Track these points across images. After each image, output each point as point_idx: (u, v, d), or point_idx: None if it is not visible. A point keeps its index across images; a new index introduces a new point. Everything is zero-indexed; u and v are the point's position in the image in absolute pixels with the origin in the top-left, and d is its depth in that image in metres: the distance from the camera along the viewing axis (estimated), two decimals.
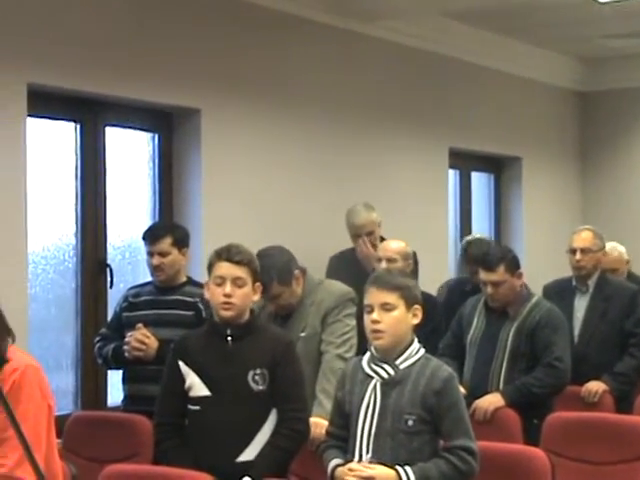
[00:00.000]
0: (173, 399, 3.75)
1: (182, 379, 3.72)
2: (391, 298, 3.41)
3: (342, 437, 3.51)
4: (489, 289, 4.87)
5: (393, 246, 5.49)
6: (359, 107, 6.99)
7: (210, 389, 3.68)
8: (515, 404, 4.71)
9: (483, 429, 4.29)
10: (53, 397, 2.99)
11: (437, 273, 7.04)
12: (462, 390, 4.04)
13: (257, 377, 3.67)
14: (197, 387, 3.69)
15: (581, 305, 5.72)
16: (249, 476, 3.56)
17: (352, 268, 5.82)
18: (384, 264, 5.30)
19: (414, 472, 3.28)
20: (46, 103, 5.22)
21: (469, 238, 6.39)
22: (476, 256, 5.44)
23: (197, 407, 3.69)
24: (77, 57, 5.21)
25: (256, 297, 3.80)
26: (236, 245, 3.77)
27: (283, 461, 3.69)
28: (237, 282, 3.68)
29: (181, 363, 3.74)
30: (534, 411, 4.71)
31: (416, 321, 3.47)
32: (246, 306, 3.73)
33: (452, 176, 8.17)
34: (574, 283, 5.80)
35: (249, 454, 3.63)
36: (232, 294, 3.67)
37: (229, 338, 3.71)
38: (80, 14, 5.25)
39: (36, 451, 2.76)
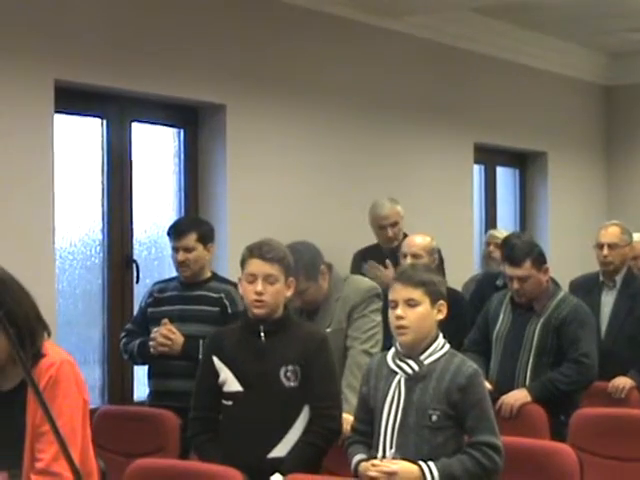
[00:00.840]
0: (207, 394, 3.76)
1: (216, 374, 3.73)
2: (416, 294, 3.40)
3: (367, 432, 3.51)
4: (515, 284, 4.85)
5: (418, 241, 5.44)
6: (384, 103, 6.98)
7: (242, 385, 3.68)
8: (541, 400, 4.68)
9: (509, 425, 4.28)
10: (88, 392, 3.01)
11: (462, 268, 7.03)
12: (488, 386, 4.04)
13: (289, 373, 3.66)
14: (230, 382, 3.70)
15: (608, 301, 5.68)
16: (280, 472, 3.56)
17: (377, 263, 5.83)
18: (409, 260, 5.28)
19: (437, 468, 3.27)
20: (73, 99, 5.26)
21: (499, 233, 6.34)
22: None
23: (230, 402, 3.70)
24: (103, 53, 5.24)
25: (289, 293, 3.78)
26: (268, 241, 3.75)
27: (314, 458, 3.68)
28: (269, 279, 3.66)
29: (215, 358, 3.74)
30: (561, 407, 4.70)
31: (441, 317, 3.46)
32: (279, 303, 3.72)
33: (477, 171, 8.15)
34: (601, 278, 5.76)
35: (280, 450, 3.63)
36: (264, 291, 3.66)
37: (262, 334, 3.70)
38: (106, 11, 5.27)
39: (72, 446, 2.79)
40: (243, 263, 3.74)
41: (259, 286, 3.65)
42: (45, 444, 2.82)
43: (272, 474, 3.56)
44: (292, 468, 3.54)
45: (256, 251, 3.70)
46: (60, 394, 2.82)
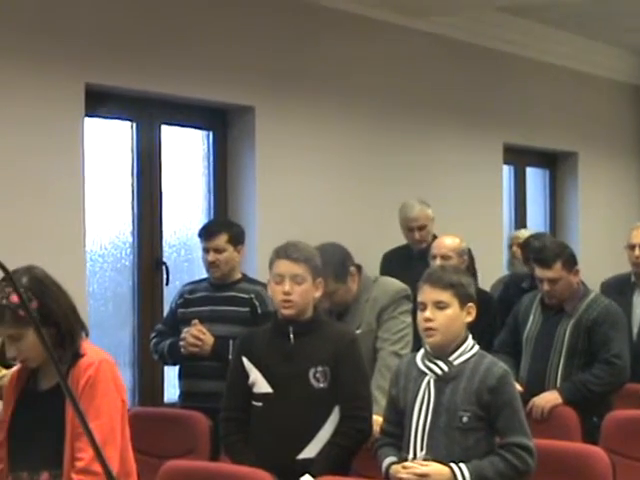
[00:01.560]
0: (238, 395, 3.77)
1: (246, 375, 3.74)
2: (444, 296, 3.39)
3: (396, 434, 3.50)
4: (545, 286, 4.82)
5: (447, 242, 5.42)
6: (412, 104, 6.96)
7: (272, 386, 3.69)
8: (573, 402, 4.64)
9: (541, 427, 4.25)
10: (126, 392, 3.03)
11: (492, 269, 6.99)
12: (518, 387, 4.02)
13: (318, 375, 3.66)
14: (260, 384, 3.71)
15: None
16: (309, 473, 3.57)
17: (406, 264, 5.81)
18: (438, 261, 5.26)
19: (469, 469, 3.26)
20: (103, 103, 5.28)
21: (522, 233, 6.31)
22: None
23: (260, 404, 3.71)
24: (133, 57, 5.27)
25: (318, 293, 3.78)
26: (295, 243, 3.77)
27: (344, 459, 3.68)
28: (296, 279, 3.68)
29: (245, 359, 3.75)
30: (593, 409, 4.66)
31: (470, 319, 3.44)
32: (307, 303, 3.72)
33: (507, 172, 8.12)
34: (633, 279, 5.72)
35: (310, 451, 3.63)
36: (291, 291, 3.67)
37: (291, 336, 3.71)
38: (136, 15, 5.30)
39: (111, 445, 2.81)
40: (271, 265, 3.76)
41: (286, 286, 3.66)
42: (85, 443, 2.83)
43: (302, 475, 3.56)
44: (322, 469, 3.55)
45: (283, 252, 3.72)
46: (99, 394, 2.84)
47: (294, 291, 3.67)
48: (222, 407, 3.85)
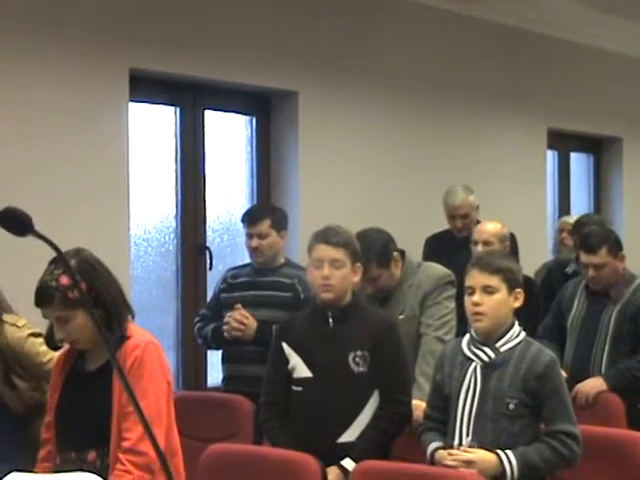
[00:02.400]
0: (278, 380, 3.79)
1: (286, 360, 3.76)
2: (493, 281, 3.38)
3: (441, 420, 3.50)
4: (590, 272, 4.79)
5: (489, 228, 5.38)
6: (457, 88, 6.93)
7: (312, 371, 3.70)
8: (618, 388, 4.61)
9: (585, 414, 4.22)
10: (172, 374, 3.06)
11: (535, 255, 6.95)
12: (563, 374, 3.99)
13: (358, 359, 3.68)
14: (299, 368, 3.73)
15: None
16: (350, 457, 3.58)
17: (449, 249, 5.79)
18: (480, 247, 5.24)
19: (516, 456, 3.25)
20: (147, 88, 5.31)
21: (571, 219, 6.25)
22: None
23: (299, 388, 3.73)
24: (177, 42, 5.28)
25: (356, 278, 3.79)
26: (333, 227, 3.78)
27: (384, 443, 3.69)
28: (335, 264, 3.69)
29: (284, 344, 3.78)
30: (638, 396, 4.63)
31: (518, 304, 3.43)
32: (346, 288, 3.74)
33: (551, 157, 8.06)
34: None
35: (350, 435, 3.65)
36: (330, 276, 3.68)
37: (330, 320, 3.72)
38: (180, 0, 5.31)
39: (157, 426, 2.84)
40: (310, 249, 3.77)
41: (325, 270, 3.67)
42: (131, 423, 2.86)
43: (342, 459, 3.59)
44: (362, 453, 3.56)
45: (321, 236, 3.73)
46: (145, 375, 2.87)
47: (333, 275, 3.68)
48: (262, 392, 3.87)
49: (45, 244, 1.90)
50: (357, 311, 3.77)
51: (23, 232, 1.99)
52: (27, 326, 3.43)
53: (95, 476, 1.15)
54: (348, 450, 3.61)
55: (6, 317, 3.27)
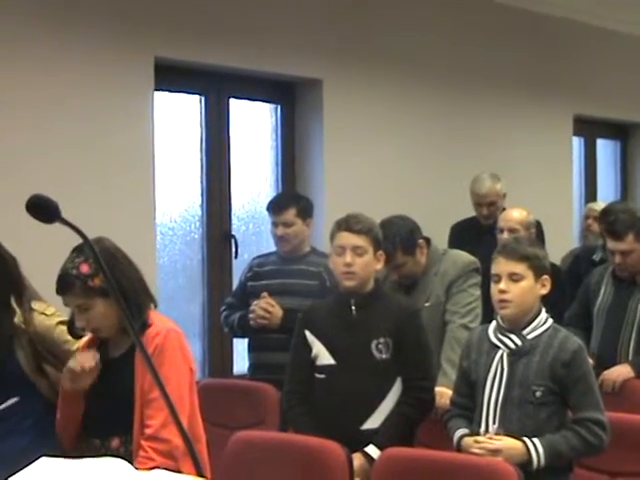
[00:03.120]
0: (301, 367, 3.80)
1: (309, 348, 3.77)
2: (519, 268, 3.37)
3: (467, 406, 3.49)
4: (617, 258, 4.77)
5: (514, 216, 5.36)
6: (482, 75, 6.90)
7: (335, 358, 3.72)
8: None
9: (612, 401, 4.20)
10: (194, 361, 3.07)
11: (562, 242, 6.92)
12: (590, 361, 3.98)
13: (380, 346, 3.68)
14: (322, 356, 3.74)
15: None
16: (373, 444, 3.59)
17: (474, 236, 5.78)
18: (505, 234, 5.22)
19: (542, 444, 3.24)
20: (172, 76, 5.32)
21: (598, 205, 6.21)
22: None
23: (322, 375, 3.74)
24: (202, 31, 5.29)
25: (379, 266, 3.79)
26: (355, 214, 3.78)
27: (407, 430, 3.70)
28: (357, 251, 3.69)
29: (307, 332, 3.79)
30: None
31: (544, 292, 3.42)
32: (368, 275, 3.74)
33: (577, 143, 8.01)
34: None
35: (374, 422, 3.66)
36: (352, 263, 3.68)
37: (353, 307, 3.73)
38: None
39: (179, 413, 2.85)
40: (332, 237, 3.79)
41: (348, 257, 3.68)
42: (154, 410, 2.88)
43: (366, 445, 3.60)
44: (386, 439, 3.57)
45: (344, 224, 3.74)
46: (166, 362, 2.88)
47: (355, 262, 3.68)
48: (285, 380, 3.88)
49: (70, 232, 1.91)
50: (379, 298, 3.77)
51: (50, 219, 2.00)
52: (56, 314, 3.45)
53: (123, 461, 1.16)
54: (371, 437, 3.62)
55: (35, 305, 3.29)
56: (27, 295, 3.24)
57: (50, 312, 3.38)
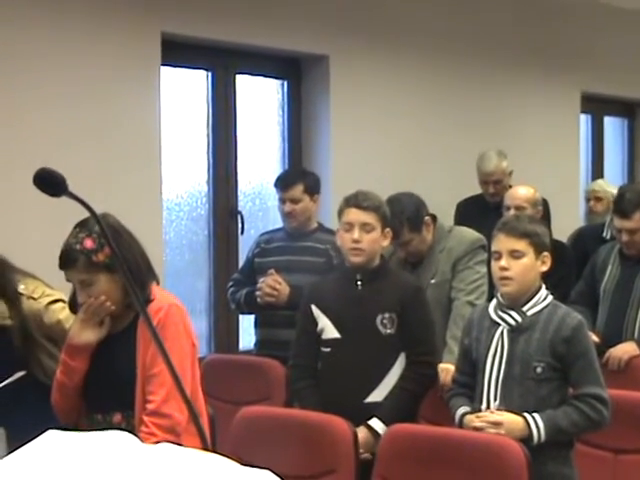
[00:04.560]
0: (307, 341, 3.83)
1: (315, 322, 3.80)
2: (520, 245, 3.37)
3: (469, 384, 3.50)
4: (624, 237, 4.76)
5: (521, 193, 5.34)
6: (488, 51, 6.87)
7: (340, 332, 3.75)
8: None
9: (617, 378, 4.22)
10: (196, 336, 3.08)
11: (568, 220, 6.92)
12: (595, 338, 3.98)
13: (385, 321, 3.71)
14: (328, 330, 3.77)
15: None
16: (376, 417, 3.63)
17: (480, 214, 5.76)
18: (512, 212, 5.21)
19: (543, 419, 3.24)
20: (179, 52, 5.31)
21: (598, 186, 6.19)
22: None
23: (328, 349, 3.77)
24: (209, 6, 5.27)
25: (386, 242, 3.82)
26: (364, 192, 3.80)
27: (411, 404, 3.74)
28: (365, 227, 3.72)
29: (313, 306, 3.82)
30: None
31: (545, 268, 3.41)
32: (375, 251, 3.77)
33: (584, 121, 7.99)
34: None
35: (377, 395, 3.69)
36: (360, 239, 3.71)
37: (359, 282, 3.75)
38: None
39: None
40: (340, 213, 3.81)
41: (356, 234, 3.70)
42: (156, 386, 2.90)
43: (369, 419, 3.63)
44: (389, 413, 3.62)
45: (352, 200, 3.75)
46: (168, 337, 2.88)
47: (363, 239, 3.71)
48: (291, 354, 3.92)
49: (70, 208, 1.91)
50: (385, 274, 3.80)
51: (57, 193, 2.00)
52: (44, 294, 3.42)
53: (129, 434, 1.17)
54: (375, 410, 3.66)
55: (22, 288, 3.27)
56: (11, 286, 3.21)
57: (37, 295, 3.36)
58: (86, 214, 1.87)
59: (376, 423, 3.62)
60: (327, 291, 3.84)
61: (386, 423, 3.56)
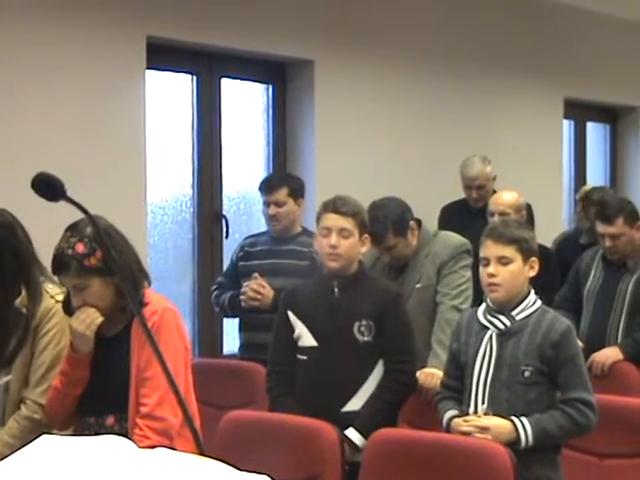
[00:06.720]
0: (283, 348, 3.80)
1: (291, 328, 3.77)
2: (508, 251, 3.37)
3: (457, 388, 3.50)
4: (607, 242, 4.78)
5: (505, 199, 5.35)
6: (473, 58, 6.90)
7: (317, 339, 3.71)
8: (634, 358, 4.63)
9: (601, 383, 4.24)
10: (189, 340, 3.08)
11: (551, 225, 6.95)
12: (579, 343, 3.99)
13: (363, 328, 3.68)
14: (305, 337, 3.73)
15: None
16: (353, 427, 3.60)
17: (464, 218, 5.78)
18: (496, 218, 5.22)
19: (530, 423, 3.25)
20: (164, 56, 5.30)
21: (587, 188, 6.23)
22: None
23: (304, 357, 3.74)
24: (194, 10, 5.27)
25: (364, 249, 3.79)
26: (343, 197, 3.77)
27: (388, 413, 3.69)
28: (343, 233, 3.69)
29: (290, 313, 3.78)
30: None
31: (533, 273, 3.42)
32: (353, 257, 3.74)
33: (567, 126, 8.03)
34: None
35: (354, 404, 3.66)
36: (337, 245, 3.68)
37: (336, 289, 3.73)
38: None
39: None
40: (318, 218, 3.78)
41: (333, 239, 3.67)
42: (149, 389, 2.90)
43: (346, 428, 3.59)
44: (366, 422, 3.57)
45: (330, 205, 3.73)
46: (162, 340, 2.88)
47: (340, 244, 3.68)
48: (268, 360, 3.88)
49: (71, 211, 1.91)
50: (362, 281, 3.77)
51: (55, 197, 2.00)
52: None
53: (125, 439, 1.16)
54: (352, 419, 3.62)
55: (49, 288, 3.24)
56: (34, 283, 3.17)
57: (61, 297, 3.35)
58: (78, 216, 1.86)
59: (352, 433, 3.58)
60: (304, 297, 3.80)
61: (363, 433, 3.53)
